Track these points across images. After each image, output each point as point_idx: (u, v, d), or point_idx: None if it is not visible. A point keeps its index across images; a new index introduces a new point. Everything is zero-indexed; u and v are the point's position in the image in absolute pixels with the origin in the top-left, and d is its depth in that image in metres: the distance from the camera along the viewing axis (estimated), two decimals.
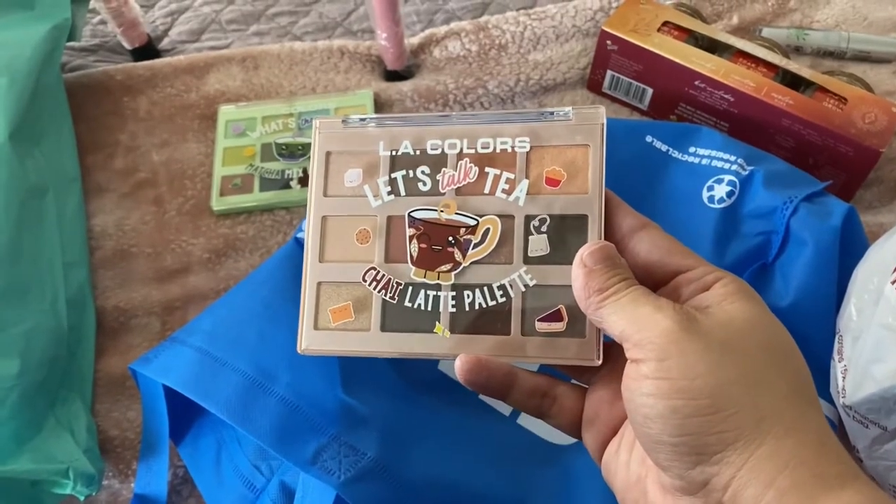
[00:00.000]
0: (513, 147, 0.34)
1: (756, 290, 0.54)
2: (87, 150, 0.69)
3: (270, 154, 0.68)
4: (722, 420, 0.26)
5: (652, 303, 0.29)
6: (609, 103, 0.72)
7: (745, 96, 0.62)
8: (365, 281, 0.35)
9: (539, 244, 0.33)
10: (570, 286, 0.32)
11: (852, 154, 0.60)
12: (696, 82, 0.64)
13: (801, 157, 0.62)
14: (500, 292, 0.33)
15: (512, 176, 0.34)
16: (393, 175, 0.35)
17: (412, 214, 0.35)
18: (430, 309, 0.34)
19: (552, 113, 0.34)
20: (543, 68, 0.73)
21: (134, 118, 0.71)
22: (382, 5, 0.69)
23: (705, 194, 0.58)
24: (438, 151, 0.35)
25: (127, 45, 0.78)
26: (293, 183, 0.66)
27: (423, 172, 0.35)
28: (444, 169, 0.35)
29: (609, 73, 0.69)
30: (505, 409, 0.52)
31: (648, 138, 0.61)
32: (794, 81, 0.64)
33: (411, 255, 0.35)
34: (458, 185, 0.35)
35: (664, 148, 0.61)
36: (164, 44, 0.81)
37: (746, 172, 0.57)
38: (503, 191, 0.34)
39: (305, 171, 0.67)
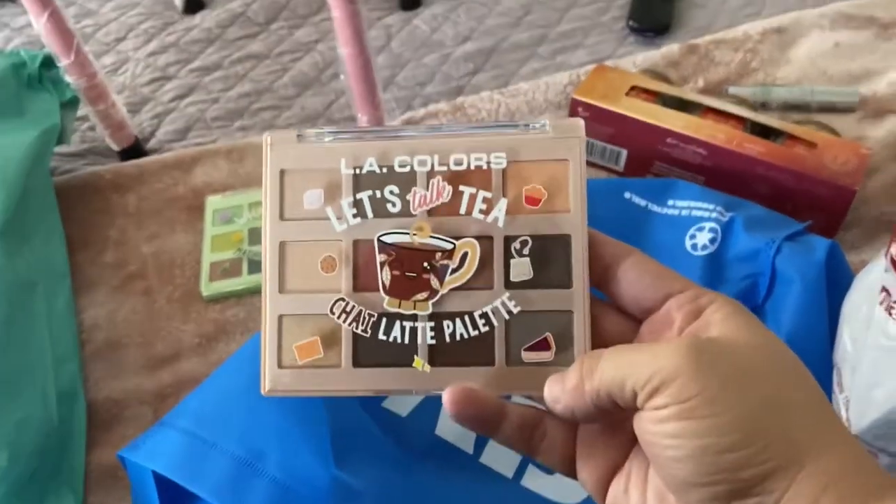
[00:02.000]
0: (488, 163, 0.32)
1: None
2: (78, 247, 0.70)
3: (258, 237, 0.69)
4: (757, 452, 0.25)
5: (647, 349, 0.28)
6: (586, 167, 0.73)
7: (718, 148, 0.64)
8: (333, 313, 0.32)
9: (522, 268, 0.31)
10: (557, 312, 0.31)
11: (828, 195, 0.61)
12: (669, 139, 0.66)
13: (778, 203, 0.63)
14: (483, 321, 0.31)
15: (489, 195, 0.32)
16: (358, 196, 0.32)
17: (382, 239, 0.32)
18: (406, 342, 0.31)
19: (528, 125, 0.32)
20: (518, 119, 0.75)
21: (123, 214, 0.72)
22: (362, 89, 0.72)
23: (688, 242, 0.59)
24: (407, 169, 0.32)
25: (115, 147, 0.80)
26: None
27: (391, 192, 0.32)
28: (414, 188, 0.32)
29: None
30: (508, 470, 0.51)
31: (627, 195, 0.62)
32: (764, 132, 0.66)
33: (383, 284, 0.32)
34: (430, 205, 0.32)
35: (643, 203, 0.62)
36: (152, 144, 0.83)
37: (727, 218, 0.58)
38: (480, 211, 0.32)
39: None
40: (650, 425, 0.27)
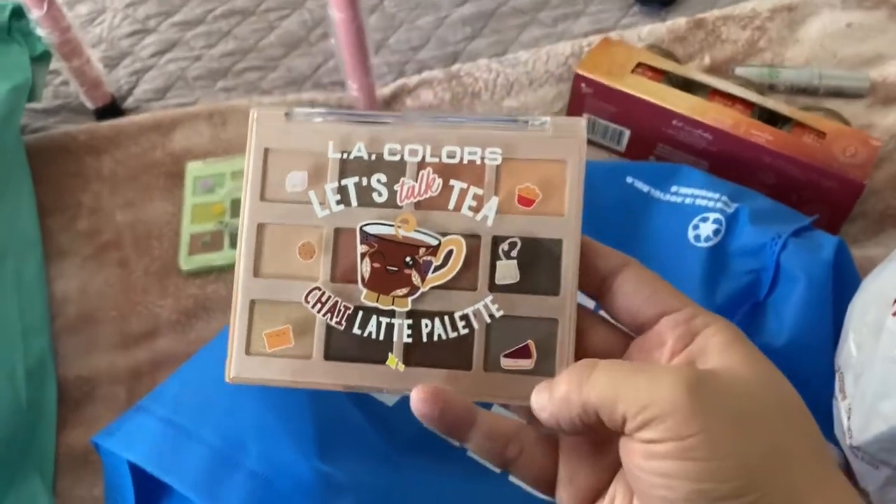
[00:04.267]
0: (482, 158, 0.30)
1: (749, 330, 0.53)
2: (49, 212, 0.66)
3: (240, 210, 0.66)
4: (755, 501, 0.24)
5: (645, 370, 0.26)
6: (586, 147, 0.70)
7: (724, 134, 0.62)
8: (308, 302, 0.30)
9: (508, 271, 0.30)
10: (542, 319, 0.29)
11: (836, 188, 0.59)
12: (674, 121, 0.63)
13: (784, 193, 0.61)
14: (463, 322, 0.30)
15: (480, 192, 0.30)
16: (343, 182, 0.31)
17: (365, 229, 0.30)
18: (381, 338, 0.30)
19: (527, 122, 0.31)
20: (518, 114, 0.72)
21: (97, 178, 0.69)
22: (353, 56, 0.68)
23: (691, 233, 0.56)
24: (397, 158, 0.31)
25: (90, 106, 0.76)
26: None
27: (378, 181, 0.31)
28: (402, 178, 0.30)
29: (585, 115, 0.68)
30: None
31: (629, 179, 0.60)
32: (771, 118, 0.63)
33: (362, 276, 0.30)
34: (418, 197, 0.30)
35: (645, 188, 0.60)
36: (129, 102, 0.79)
37: (732, 210, 0.56)
38: (470, 208, 0.30)
39: None
40: (639, 459, 0.25)
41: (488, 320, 0.30)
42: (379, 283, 0.30)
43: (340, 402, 0.49)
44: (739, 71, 0.73)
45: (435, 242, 0.30)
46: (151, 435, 0.44)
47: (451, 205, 0.30)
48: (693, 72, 0.67)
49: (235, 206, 0.66)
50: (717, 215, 0.56)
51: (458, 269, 0.30)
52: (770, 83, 0.73)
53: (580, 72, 0.66)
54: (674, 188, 0.59)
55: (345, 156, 0.31)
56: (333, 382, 0.30)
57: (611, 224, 0.59)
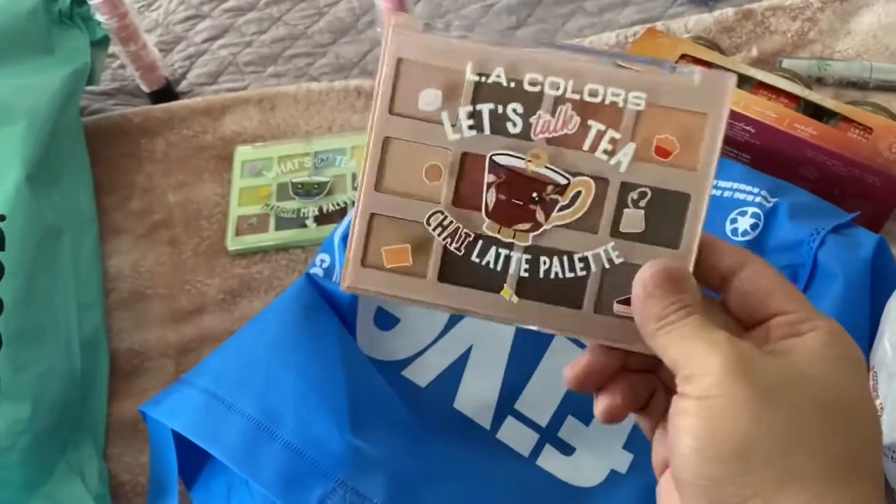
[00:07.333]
0: (625, 101, 0.29)
1: None
2: (104, 191, 0.69)
3: (287, 193, 0.68)
4: (744, 472, 0.25)
5: (707, 338, 0.27)
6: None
7: (767, 127, 0.61)
8: (429, 224, 0.30)
9: (634, 220, 0.29)
10: None
11: (879, 184, 0.58)
12: None
13: (825, 188, 0.61)
14: (581, 264, 0.30)
15: (617, 136, 0.29)
16: (478, 107, 0.30)
17: (494, 158, 0.30)
18: (498, 269, 0.30)
19: (674, 68, 0.29)
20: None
21: (151, 160, 0.71)
22: None
23: (728, 227, 0.56)
24: (537, 89, 0.29)
25: (145, 89, 0.79)
26: (309, 222, 0.66)
27: (514, 111, 0.30)
28: (539, 111, 0.29)
29: None
30: (524, 449, 0.51)
31: None
32: (816, 112, 0.63)
33: (486, 206, 0.30)
34: (553, 133, 0.30)
35: None
36: (182, 86, 0.82)
37: (770, 204, 0.56)
38: (605, 151, 0.29)
39: (321, 210, 0.66)
40: (672, 413, 0.27)
41: (606, 265, 0.30)
42: (502, 214, 0.30)
43: (375, 379, 0.50)
44: (787, 63, 0.72)
45: (564, 182, 0.30)
46: (194, 406, 0.46)
47: (586, 146, 0.30)
48: (737, 64, 0.66)
49: (282, 189, 0.68)
50: (756, 209, 0.56)
51: (583, 211, 0.30)
52: (818, 76, 0.71)
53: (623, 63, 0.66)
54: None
55: (482, 79, 0.30)
56: (445, 303, 0.30)
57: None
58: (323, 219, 0.66)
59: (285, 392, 0.46)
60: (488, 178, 0.30)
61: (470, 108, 0.30)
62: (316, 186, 0.68)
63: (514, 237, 0.30)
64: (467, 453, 0.49)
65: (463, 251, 0.30)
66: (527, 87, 0.30)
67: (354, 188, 0.68)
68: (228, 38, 0.85)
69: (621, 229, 0.30)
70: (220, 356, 0.50)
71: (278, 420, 0.44)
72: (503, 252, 0.30)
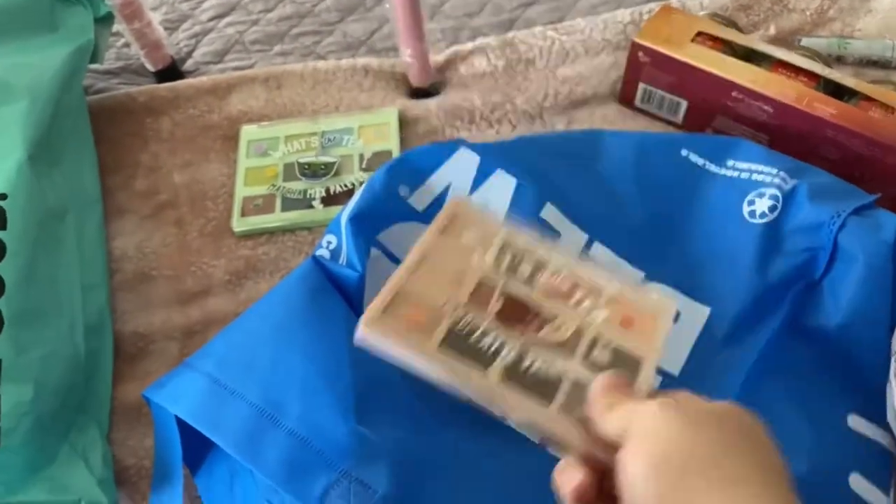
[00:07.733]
0: (604, 287, 0.39)
1: (803, 309, 0.51)
2: (109, 170, 0.68)
3: (293, 174, 0.66)
4: (687, 482, 0.29)
5: (644, 400, 0.32)
6: (642, 118, 0.69)
7: (786, 107, 0.60)
8: (445, 309, 0.37)
9: (603, 356, 0.37)
10: None
11: None
12: (734, 93, 0.61)
13: (846, 169, 0.59)
14: (556, 374, 0.36)
15: (595, 303, 0.39)
16: (502, 255, 0.40)
17: (505, 289, 0.39)
18: (490, 353, 0.36)
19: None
20: (573, 83, 0.71)
21: (156, 139, 0.70)
22: (408, 22, 0.68)
23: (746, 209, 0.55)
24: (545, 270, 0.40)
25: (150, 67, 0.78)
26: (315, 203, 0.65)
27: (526, 266, 0.40)
28: (544, 271, 0.40)
29: (641, 85, 0.67)
30: (535, 435, 0.50)
31: (684, 152, 0.59)
32: (836, 91, 0.61)
33: (492, 309, 0.38)
34: (550, 287, 0.39)
35: (701, 162, 0.58)
36: (188, 65, 0.81)
37: (789, 186, 0.54)
38: (585, 308, 0.39)
39: (328, 191, 0.65)
40: (619, 460, 0.31)
41: (575, 381, 0.36)
42: (504, 319, 0.38)
43: (381, 364, 0.49)
44: (806, 42, 0.70)
45: (555, 315, 0.38)
46: (197, 391, 0.45)
47: (573, 301, 0.39)
48: (756, 42, 0.65)
49: (288, 170, 0.67)
50: (774, 191, 0.54)
51: (566, 337, 0.37)
52: (838, 55, 0.70)
53: (638, 40, 0.64)
54: (730, 162, 0.57)
55: (506, 244, 0.40)
56: (438, 367, 0.36)
57: (664, 198, 0.58)
58: (330, 200, 0.65)
59: (290, 377, 0.45)
60: (497, 297, 0.38)
61: (496, 251, 0.40)
62: (323, 167, 0.67)
63: (509, 335, 0.37)
64: (476, 442, 0.48)
65: (465, 332, 0.37)
66: (537, 256, 0.41)
67: (362, 169, 0.67)
68: (235, 17, 0.84)
69: (592, 360, 0.37)
70: (224, 339, 0.50)
71: (283, 407, 0.43)
72: (498, 341, 0.37)
